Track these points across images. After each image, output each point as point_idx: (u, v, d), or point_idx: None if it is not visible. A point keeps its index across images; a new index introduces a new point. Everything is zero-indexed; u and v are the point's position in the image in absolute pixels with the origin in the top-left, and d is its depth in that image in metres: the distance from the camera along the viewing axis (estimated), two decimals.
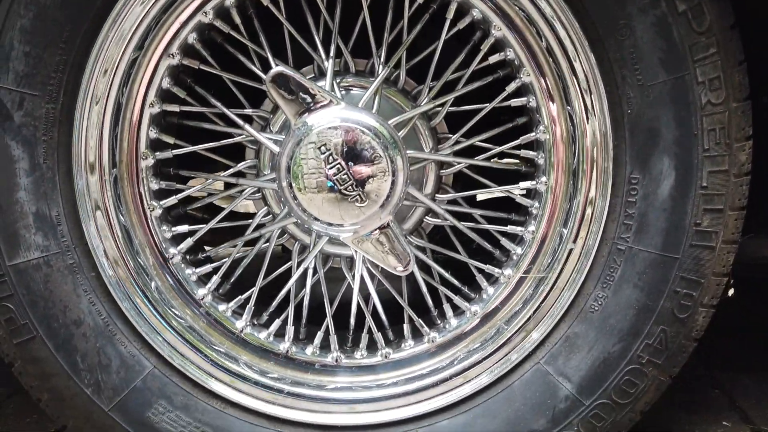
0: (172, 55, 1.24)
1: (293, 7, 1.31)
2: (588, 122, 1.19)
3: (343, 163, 1.10)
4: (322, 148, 1.10)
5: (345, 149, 1.11)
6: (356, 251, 1.21)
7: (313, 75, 1.38)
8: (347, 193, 1.10)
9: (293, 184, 1.13)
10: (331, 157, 1.10)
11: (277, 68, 1.09)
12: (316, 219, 1.14)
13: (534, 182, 1.30)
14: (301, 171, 1.12)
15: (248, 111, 1.34)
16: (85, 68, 1.14)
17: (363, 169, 1.11)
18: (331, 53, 1.24)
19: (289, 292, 1.32)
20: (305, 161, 1.12)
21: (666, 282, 1.16)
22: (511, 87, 1.29)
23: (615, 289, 1.18)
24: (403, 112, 1.33)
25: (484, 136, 1.31)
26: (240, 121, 1.27)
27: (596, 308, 1.20)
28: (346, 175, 1.10)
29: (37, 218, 1.15)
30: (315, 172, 1.11)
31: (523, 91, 1.29)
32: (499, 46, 1.28)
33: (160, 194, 1.30)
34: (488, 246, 1.35)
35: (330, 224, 1.14)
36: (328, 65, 1.24)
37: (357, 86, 1.33)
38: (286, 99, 1.09)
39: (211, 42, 1.29)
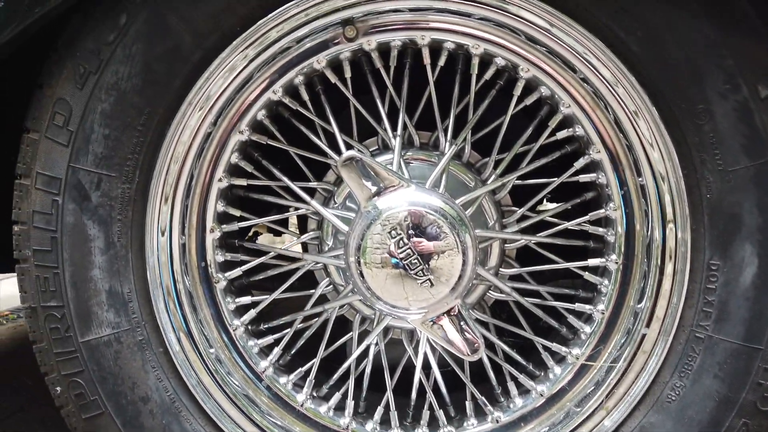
0: (241, 131, 1.26)
1: (359, 82, 1.33)
2: (663, 204, 1.16)
3: (412, 246, 1.09)
4: (393, 231, 1.10)
5: (415, 232, 1.10)
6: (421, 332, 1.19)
7: (377, 148, 1.39)
8: (416, 276, 1.09)
9: (361, 265, 1.12)
10: (401, 241, 1.09)
11: (349, 152, 1.09)
12: (382, 300, 1.13)
13: (603, 260, 1.27)
14: (370, 252, 1.11)
15: (313, 184, 1.35)
16: (161, 149, 1.16)
17: (432, 252, 1.10)
18: (398, 131, 1.25)
19: (349, 365, 1.31)
20: (374, 243, 1.11)
21: (748, 373, 1.11)
22: (580, 163, 1.26)
23: (693, 379, 1.14)
24: (468, 186, 1.33)
25: (551, 211, 1.29)
26: (306, 197, 1.28)
27: (673, 398, 1.15)
28: (416, 259, 1.09)
29: (109, 295, 1.17)
30: (383, 255, 1.11)
31: (592, 167, 1.27)
32: (567, 122, 1.26)
33: (225, 266, 1.31)
34: (554, 323, 1.31)
35: (396, 306, 1.13)
36: (395, 144, 1.24)
37: (421, 160, 1.33)
38: (357, 183, 1.09)
39: (279, 117, 1.31)
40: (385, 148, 1.38)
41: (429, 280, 1.08)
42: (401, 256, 1.08)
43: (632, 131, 1.16)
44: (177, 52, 1.12)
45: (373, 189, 1.09)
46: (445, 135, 1.29)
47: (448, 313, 1.11)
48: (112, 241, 1.16)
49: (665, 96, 1.10)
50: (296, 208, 1.34)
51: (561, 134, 1.27)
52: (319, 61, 1.24)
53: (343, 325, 1.43)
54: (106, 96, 1.12)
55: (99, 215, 1.15)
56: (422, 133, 1.38)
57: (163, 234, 1.21)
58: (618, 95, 1.15)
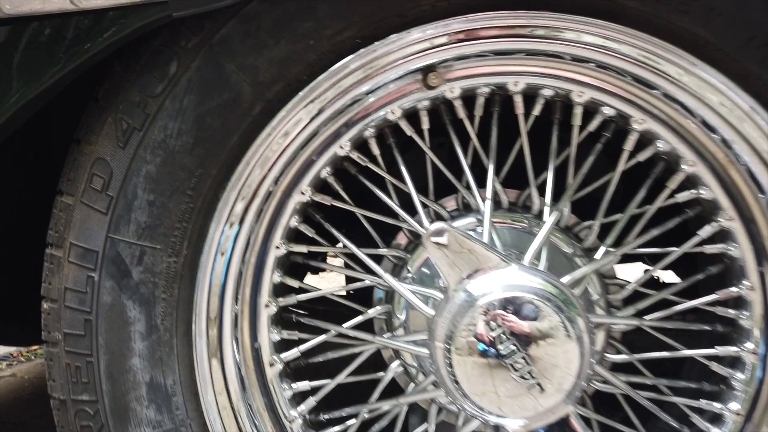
0: (303, 191, 1.09)
1: (437, 133, 1.15)
2: None
3: (516, 342, 0.89)
4: (491, 322, 0.90)
5: (518, 323, 0.91)
6: None
7: (456, 208, 1.20)
8: (521, 379, 0.89)
9: (450, 360, 0.93)
10: (501, 334, 0.90)
11: (438, 225, 0.91)
12: (475, 404, 0.93)
13: (736, 348, 1.06)
14: (461, 346, 0.92)
15: (383, 251, 1.17)
16: (213, 216, 1.00)
17: (539, 346, 0.90)
18: (489, 194, 1.06)
19: None
20: (466, 335, 0.92)
21: None
22: (706, 231, 1.06)
23: None
24: (566, 256, 1.13)
25: (672, 288, 1.08)
26: (378, 269, 1.09)
27: None
28: (521, 357, 0.89)
29: (150, 388, 0.99)
30: (478, 350, 0.91)
31: (721, 236, 1.06)
32: (690, 182, 1.06)
33: (280, 346, 1.13)
34: (674, 423, 1.10)
35: (491, 413, 0.93)
36: (485, 208, 1.05)
37: (509, 225, 1.14)
38: (447, 262, 0.91)
39: (344, 174, 1.14)
40: (465, 208, 1.19)
41: (538, 384, 0.88)
42: (503, 352, 0.89)
43: None
44: (235, 105, 0.96)
45: (466, 271, 0.90)
46: (541, 195, 1.11)
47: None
48: (154, 325, 0.99)
49: None
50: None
51: (682, 196, 1.07)
52: (394, 112, 1.06)
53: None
54: (152, 156, 0.96)
55: (140, 294, 0.99)
56: (509, 191, 1.19)
57: (213, 315, 1.04)
58: (764, 156, 0.95)
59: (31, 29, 0.92)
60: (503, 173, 1.14)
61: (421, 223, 1.11)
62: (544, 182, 1.12)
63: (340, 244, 1.17)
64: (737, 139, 0.96)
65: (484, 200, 1.09)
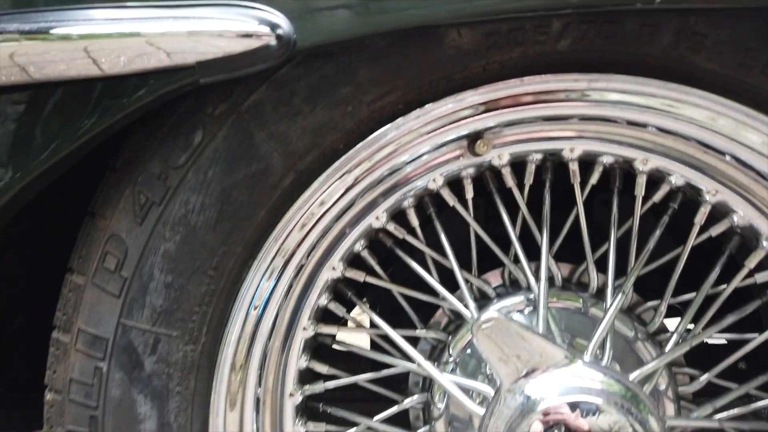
0: (334, 267, 0.99)
1: (483, 202, 1.06)
2: None
3: None
4: (553, 430, 0.78)
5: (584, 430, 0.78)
6: None
7: (501, 284, 1.09)
8: None
9: None
10: None
11: (492, 315, 0.80)
12: None
13: None
14: None
15: (420, 332, 1.06)
16: (236, 298, 0.90)
17: None
18: (543, 274, 0.95)
19: None
20: None
21: None
22: None
23: None
24: (627, 339, 1.01)
25: (755, 381, 0.95)
26: (417, 356, 0.97)
27: None
28: None
29: None
30: None
31: None
32: None
33: None
34: None
35: None
36: (539, 289, 0.94)
37: (563, 307, 1.03)
38: (500, 356, 0.79)
39: (379, 247, 1.04)
40: (513, 284, 1.08)
41: None
42: None
43: None
44: (264, 177, 0.87)
45: (523, 369, 0.78)
46: (599, 271, 0.99)
47: None
48: (167, 422, 0.88)
49: None
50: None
51: (761, 277, 0.95)
52: (436, 180, 0.97)
53: None
54: (171, 233, 0.87)
55: (153, 387, 0.88)
56: (562, 265, 1.08)
57: (233, 408, 0.92)
58: None
59: (54, 94, 0.85)
60: (556, 246, 1.04)
61: (463, 301, 1.00)
62: (601, 257, 1.01)
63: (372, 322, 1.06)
64: None
65: (536, 278, 0.99)
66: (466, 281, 1.03)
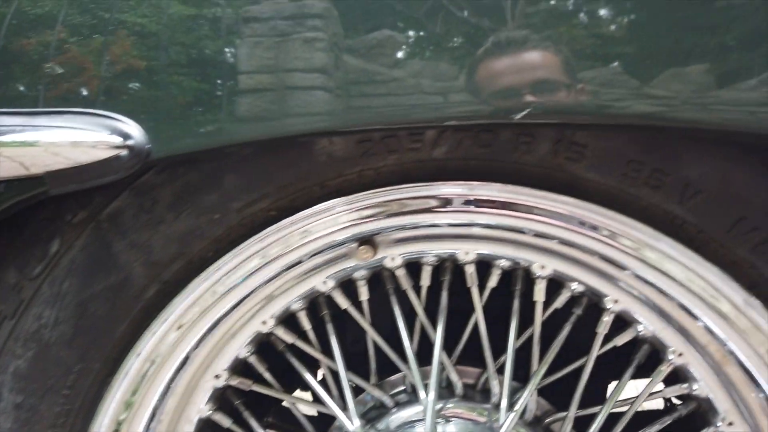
0: (217, 375, 0.92)
1: (379, 301, 1.00)
2: None
3: None
4: None
5: None
6: None
7: (404, 388, 1.02)
8: None
9: None
10: None
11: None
12: None
13: None
14: None
15: None
16: (94, 419, 0.83)
17: None
18: (432, 381, 0.87)
19: None
20: None
21: None
22: None
23: None
24: None
25: None
26: None
27: None
28: None
29: None
30: None
31: None
32: (681, 375, 0.88)
33: None
34: None
35: None
36: (427, 401, 0.87)
37: (464, 417, 0.96)
38: None
39: (269, 351, 0.98)
40: (415, 392, 1.01)
41: None
42: None
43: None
44: (124, 288, 0.81)
45: None
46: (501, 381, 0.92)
47: None
48: None
49: None
50: None
51: (670, 391, 0.89)
52: (325, 282, 0.91)
53: None
54: (23, 349, 0.80)
55: None
56: (466, 371, 1.01)
57: None
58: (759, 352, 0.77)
59: None
60: (456, 354, 0.97)
61: (352, 417, 0.93)
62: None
63: None
64: (730, 334, 0.78)
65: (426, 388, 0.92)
66: (359, 389, 0.96)
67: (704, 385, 0.84)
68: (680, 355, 0.84)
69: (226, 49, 0.72)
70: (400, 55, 0.65)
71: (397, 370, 1.01)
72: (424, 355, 0.95)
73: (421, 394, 0.90)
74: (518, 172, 0.78)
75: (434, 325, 0.93)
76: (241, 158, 0.79)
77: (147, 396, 0.85)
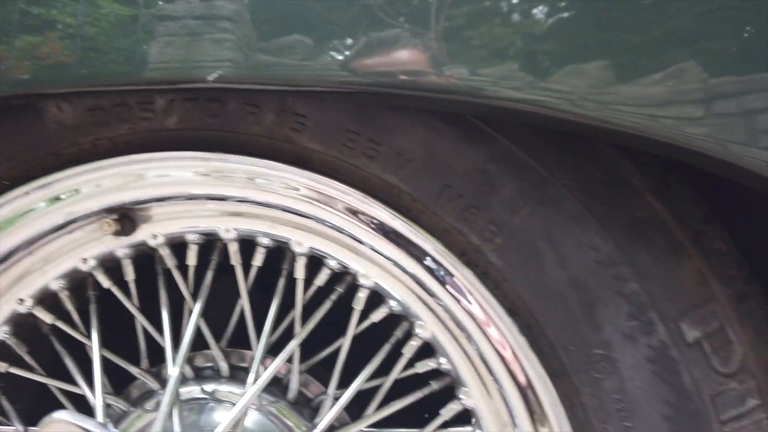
0: None
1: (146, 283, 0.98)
2: None
3: None
4: None
5: None
6: None
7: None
8: None
9: None
10: None
11: (57, 414, 0.71)
12: None
13: None
14: None
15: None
16: None
17: None
18: (174, 370, 0.85)
19: None
20: None
21: None
22: (449, 411, 0.87)
23: None
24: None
25: None
26: None
27: None
28: None
29: None
30: None
31: (466, 417, 0.87)
32: (429, 349, 0.89)
33: None
34: None
35: None
36: (171, 378, 0.85)
37: (229, 400, 0.94)
38: None
39: (32, 332, 0.95)
40: (197, 374, 1.00)
41: None
42: None
43: (509, 382, 0.78)
44: None
45: None
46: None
47: None
48: None
49: (545, 333, 0.74)
50: None
51: (421, 366, 0.90)
52: (86, 261, 0.90)
53: None
54: None
55: None
56: (240, 354, 1.00)
57: None
58: (476, 321, 0.79)
59: None
60: (227, 336, 0.96)
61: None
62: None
63: None
64: (457, 308, 0.80)
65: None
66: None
67: (450, 359, 0.86)
68: (425, 328, 0.86)
69: None
70: (80, 6, 0.66)
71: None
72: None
73: (170, 372, 0.88)
74: (250, 143, 0.79)
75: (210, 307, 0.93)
76: None
77: None
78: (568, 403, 0.72)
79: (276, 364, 0.86)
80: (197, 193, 0.86)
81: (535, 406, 0.76)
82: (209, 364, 0.99)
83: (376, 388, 0.91)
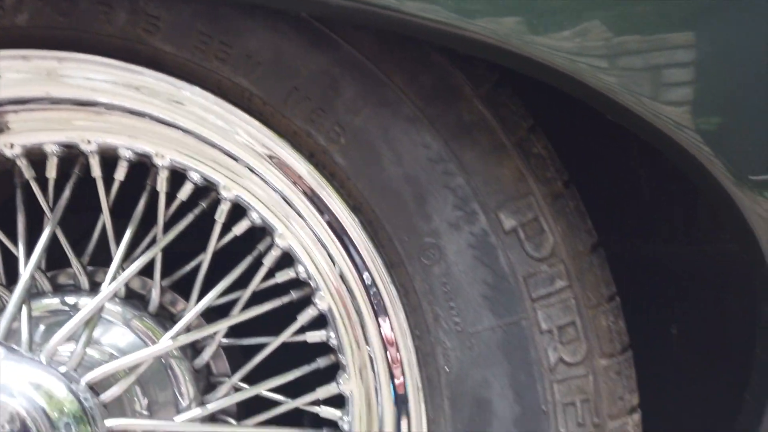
0: None
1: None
2: (394, 381, 0.81)
3: None
4: None
5: None
6: None
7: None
8: None
9: None
10: None
11: None
12: None
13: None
14: None
15: None
16: None
17: None
18: (23, 278, 0.85)
19: None
20: None
21: None
22: (304, 317, 0.91)
23: None
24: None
25: (273, 381, 0.90)
26: None
27: None
28: None
29: None
30: None
31: (321, 323, 0.92)
32: (288, 260, 0.93)
33: None
34: None
35: None
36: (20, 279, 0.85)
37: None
38: None
39: None
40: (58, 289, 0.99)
41: None
42: None
43: (352, 275, 0.83)
44: None
45: None
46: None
47: None
48: None
49: (384, 226, 0.80)
50: None
51: (281, 276, 0.93)
52: None
53: None
54: None
55: None
56: (105, 271, 1.00)
57: None
58: (327, 223, 0.83)
59: None
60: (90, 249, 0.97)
61: None
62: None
63: None
64: (302, 207, 0.85)
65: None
66: None
67: (305, 268, 0.90)
68: (282, 236, 0.90)
69: None
70: None
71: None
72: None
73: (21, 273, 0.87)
74: (103, 43, 0.80)
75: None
76: None
77: None
78: (403, 291, 0.78)
79: (131, 270, 0.87)
80: (56, 96, 0.86)
81: (376, 298, 0.81)
82: (72, 282, 0.99)
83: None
